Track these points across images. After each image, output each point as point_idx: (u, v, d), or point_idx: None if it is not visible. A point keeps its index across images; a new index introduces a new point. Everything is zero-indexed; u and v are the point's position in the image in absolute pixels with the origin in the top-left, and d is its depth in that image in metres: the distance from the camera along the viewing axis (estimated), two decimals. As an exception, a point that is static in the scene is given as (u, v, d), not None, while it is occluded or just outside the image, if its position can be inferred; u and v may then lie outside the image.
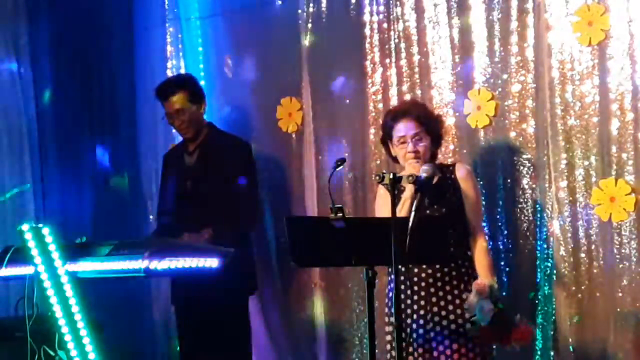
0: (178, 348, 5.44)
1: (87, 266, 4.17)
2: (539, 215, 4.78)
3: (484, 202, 4.75)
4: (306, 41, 5.59)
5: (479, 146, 4.99)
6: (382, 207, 4.29)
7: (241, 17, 5.89)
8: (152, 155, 6.32)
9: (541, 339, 4.74)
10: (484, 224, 4.66)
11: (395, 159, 4.44)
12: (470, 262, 4.29)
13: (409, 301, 4.26)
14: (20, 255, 4.23)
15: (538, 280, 4.77)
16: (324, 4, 5.52)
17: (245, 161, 5.21)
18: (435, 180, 4.05)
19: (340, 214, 3.73)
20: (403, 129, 4.32)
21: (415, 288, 4.27)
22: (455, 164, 4.45)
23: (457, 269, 4.27)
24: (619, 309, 4.55)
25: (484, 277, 4.18)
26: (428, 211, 4.22)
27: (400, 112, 4.40)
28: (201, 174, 5.19)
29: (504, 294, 4.77)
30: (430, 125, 4.36)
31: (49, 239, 4.10)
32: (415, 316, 4.24)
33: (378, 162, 5.28)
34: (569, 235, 4.68)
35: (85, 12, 6.38)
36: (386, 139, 4.43)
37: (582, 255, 4.66)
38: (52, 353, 4.21)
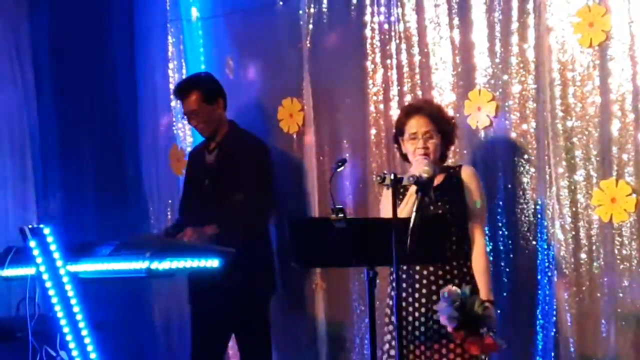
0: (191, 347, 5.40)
1: (89, 267, 4.18)
2: (539, 216, 4.78)
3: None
4: (307, 42, 5.59)
5: (479, 147, 4.99)
6: (387, 206, 4.30)
7: (242, 18, 5.89)
8: (153, 155, 6.33)
9: (542, 339, 4.74)
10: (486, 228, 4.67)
11: (405, 157, 4.48)
12: (471, 261, 4.33)
13: (410, 300, 4.28)
14: (22, 256, 4.25)
15: (538, 280, 4.77)
16: (324, 5, 5.52)
17: (259, 163, 5.21)
18: (438, 180, 4.07)
19: (341, 215, 3.74)
20: (415, 125, 4.39)
21: (417, 286, 4.30)
22: (462, 166, 4.51)
23: (458, 268, 4.30)
24: (619, 310, 4.54)
25: (477, 280, 4.25)
26: (432, 207, 4.24)
27: (414, 109, 4.48)
28: (218, 173, 5.21)
29: (504, 294, 4.78)
30: (442, 125, 4.43)
31: (50, 239, 4.11)
32: (417, 314, 4.27)
33: (379, 162, 5.28)
34: (570, 236, 4.68)
35: (87, 13, 6.39)
36: (398, 135, 4.48)
37: (583, 255, 4.65)
38: (53, 353, 4.21)
